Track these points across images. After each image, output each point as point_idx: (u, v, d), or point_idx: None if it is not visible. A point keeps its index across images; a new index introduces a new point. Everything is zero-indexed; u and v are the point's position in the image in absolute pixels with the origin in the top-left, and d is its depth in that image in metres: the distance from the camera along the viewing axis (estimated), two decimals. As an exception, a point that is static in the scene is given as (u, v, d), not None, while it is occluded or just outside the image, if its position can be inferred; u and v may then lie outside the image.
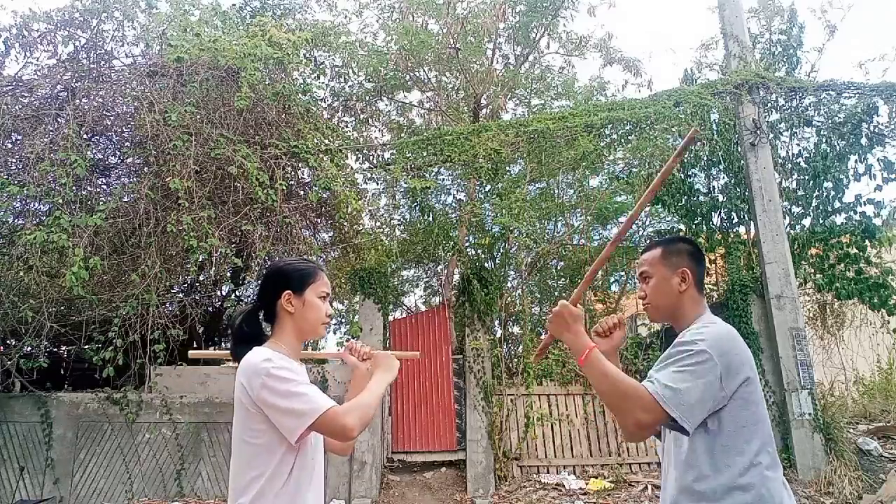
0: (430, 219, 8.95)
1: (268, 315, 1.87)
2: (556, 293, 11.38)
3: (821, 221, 8.22)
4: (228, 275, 8.41)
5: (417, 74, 10.97)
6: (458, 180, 9.84)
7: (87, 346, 6.05)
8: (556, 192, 10.15)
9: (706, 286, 9.77)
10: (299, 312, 1.82)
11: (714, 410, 1.62)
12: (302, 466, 1.69)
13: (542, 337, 2.01)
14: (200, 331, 8.60)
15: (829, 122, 8.33)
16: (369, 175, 8.59)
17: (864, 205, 8.11)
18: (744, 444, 1.63)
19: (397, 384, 7.60)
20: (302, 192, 7.28)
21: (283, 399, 1.60)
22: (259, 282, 1.96)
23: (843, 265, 7.92)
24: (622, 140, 8.50)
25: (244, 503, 1.63)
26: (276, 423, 1.62)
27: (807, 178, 8.38)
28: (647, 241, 10.33)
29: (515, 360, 8.24)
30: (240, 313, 1.89)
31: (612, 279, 10.96)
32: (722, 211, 8.82)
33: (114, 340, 5.86)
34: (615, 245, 1.95)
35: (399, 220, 9.84)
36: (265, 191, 6.24)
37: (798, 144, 8.69)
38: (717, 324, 1.75)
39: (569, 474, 6.96)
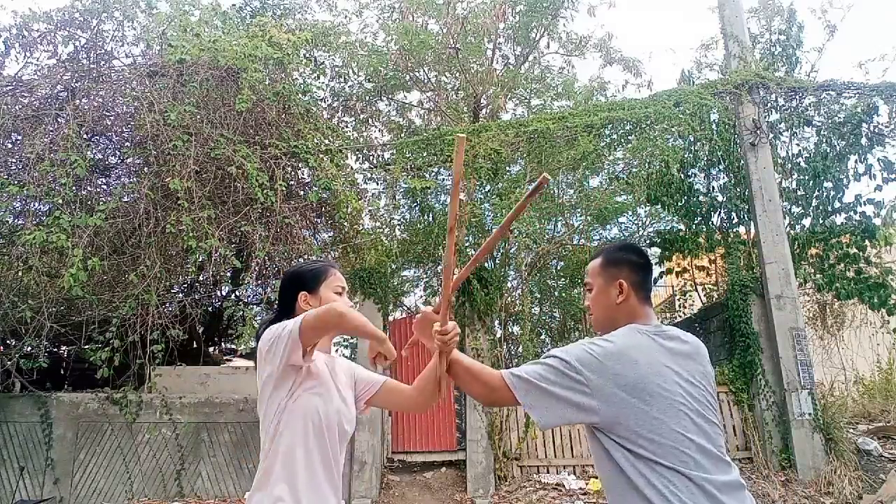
0: (430, 219, 8.95)
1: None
2: (556, 293, 11.38)
3: (821, 221, 8.22)
4: (228, 275, 8.41)
5: (417, 74, 10.96)
6: (458, 180, 9.81)
7: (86, 347, 6.04)
8: (556, 192, 10.14)
9: (706, 286, 9.82)
10: None
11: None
12: (298, 449, 1.70)
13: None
14: (200, 331, 8.61)
15: (829, 122, 8.34)
16: (369, 175, 8.58)
17: (864, 205, 8.11)
18: None
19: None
20: (302, 192, 7.28)
21: (272, 338, 1.68)
22: (276, 290, 2.03)
23: (843, 265, 7.93)
24: (622, 140, 8.49)
25: (252, 489, 1.69)
26: (282, 364, 1.67)
27: (807, 178, 8.38)
28: (647, 241, 10.31)
29: (515, 360, 8.24)
30: (263, 323, 1.95)
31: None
32: (722, 211, 8.82)
33: (111, 341, 5.85)
34: (476, 262, 1.94)
35: (399, 220, 9.83)
36: (265, 191, 6.24)
37: (798, 144, 8.70)
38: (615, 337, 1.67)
39: (569, 474, 6.96)
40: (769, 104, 8.36)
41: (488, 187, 9.00)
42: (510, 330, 9.60)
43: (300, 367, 1.72)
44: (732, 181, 8.65)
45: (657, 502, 1.48)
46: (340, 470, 1.82)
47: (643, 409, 1.53)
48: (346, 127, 10.16)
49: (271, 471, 1.67)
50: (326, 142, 7.56)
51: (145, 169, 6.74)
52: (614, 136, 8.42)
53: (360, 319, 1.70)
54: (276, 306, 1.98)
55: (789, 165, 8.63)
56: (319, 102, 9.41)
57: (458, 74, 10.99)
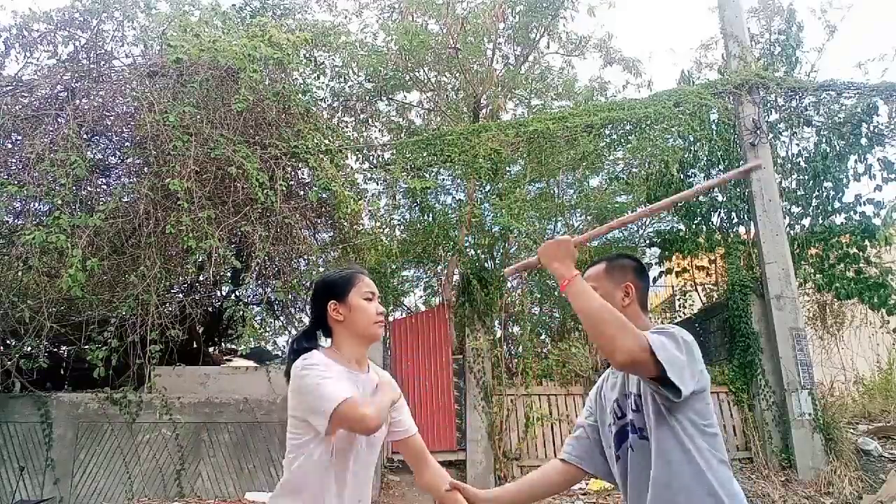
0: (430, 219, 8.95)
1: (325, 330, 1.92)
2: (556, 293, 11.38)
3: (821, 221, 8.23)
4: (228, 275, 8.40)
5: (417, 75, 10.96)
6: (458, 180, 9.84)
7: (86, 347, 6.04)
8: (556, 192, 10.14)
9: (706, 286, 9.83)
10: (348, 318, 1.86)
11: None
12: (329, 468, 1.72)
13: (526, 260, 1.92)
14: (200, 331, 8.59)
15: (829, 122, 8.34)
16: (369, 175, 8.58)
17: (864, 205, 8.12)
18: None
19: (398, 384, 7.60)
20: (302, 193, 7.28)
21: (308, 393, 1.66)
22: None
23: (842, 265, 7.94)
24: (622, 140, 8.50)
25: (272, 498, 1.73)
26: (307, 419, 1.67)
27: (807, 178, 8.39)
28: (647, 241, 10.32)
29: (515, 360, 8.24)
30: (297, 334, 1.96)
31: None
32: (722, 211, 8.83)
33: (108, 341, 5.85)
34: (639, 217, 1.92)
35: (399, 220, 9.83)
36: (265, 191, 6.24)
37: (798, 144, 8.71)
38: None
39: (569, 474, 6.95)
40: (769, 104, 8.37)
41: (488, 187, 9.01)
42: (510, 330, 9.60)
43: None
44: (732, 181, 8.65)
45: (722, 494, 1.57)
46: (367, 479, 1.84)
47: (707, 400, 1.66)
48: (346, 127, 10.16)
49: (294, 488, 1.71)
50: (326, 142, 7.56)
51: (145, 169, 6.73)
52: (614, 136, 8.43)
53: (378, 416, 1.68)
54: (309, 315, 1.99)
55: (789, 165, 8.64)
56: (319, 102, 9.40)
57: (458, 74, 10.99)
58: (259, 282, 7.81)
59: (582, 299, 1.63)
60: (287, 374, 1.83)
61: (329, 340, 1.93)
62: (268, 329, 11.74)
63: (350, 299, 1.87)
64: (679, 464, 1.61)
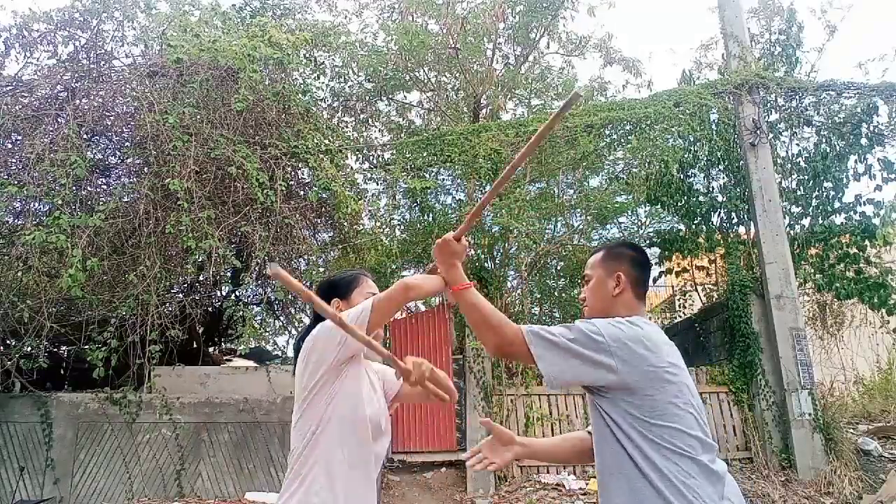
0: (430, 219, 8.94)
1: None
2: (556, 293, 11.38)
3: (820, 221, 8.22)
4: (228, 275, 8.40)
5: (417, 74, 10.95)
6: (458, 180, 9.84)
7: (86, 347, 6.04)
8: (556, 191, 10.14)
9: (706, 286, 9.82)
10: None
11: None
12: (338, 448, 1.74)
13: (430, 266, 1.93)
14: (200, 331, 8.60)
15: (829, 122, 8.34)
16: (369, 175, 8.58)
17: (864, 205, 8.12)
18: None
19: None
20: (302, 193, 7.28)
21: (328, 330, 1.73)
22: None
23: (842, 265, 7.93)
24: (622, 140, 8.50)
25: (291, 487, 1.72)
26: (341, 354, 1.72)
27: (807, 178, 8.39)
28: (647, 241, 10.32)
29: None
30: (301, 333, 2.00)
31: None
32: (722, 211, 8.82)
33: (108, 341, 5.85)
34: (498, 188, 1.80)
35: (399, 220, 9.83)
36: (265, 191, 6.24)
37: (798, 144, 8.70)
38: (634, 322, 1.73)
39: (569, 474, 6.96)
40: (769, 104, 8.36)
41: (488, 187, 9.01)
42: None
43: (354, 355, 1.77)
44: (732, 181, 8.65)
45: (661, 485, 1.54)
46: (378, 468, 1.86)
47: (657, 394, 1.60)
48: (346, 127, 10.16)
49: (310, 473, 1.71)
50: (326, 142, 7.56)
51: (145, 169, 6.73)
52: (614, 136, 8.43)
53: (427, 285, 1.75)
54: (311, 315, 2.04)
55: (789, 165, 8.63)
56: (319, 102, 9.40)
57: (458, 74, 10.99)
58: (259, 282, 7.81)
59: (467, 310, 1.74)
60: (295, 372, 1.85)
61: None
62: (268, 329, 11.75)
63: (353, 299, 1.92)
64: (608, 448, 1.65)
